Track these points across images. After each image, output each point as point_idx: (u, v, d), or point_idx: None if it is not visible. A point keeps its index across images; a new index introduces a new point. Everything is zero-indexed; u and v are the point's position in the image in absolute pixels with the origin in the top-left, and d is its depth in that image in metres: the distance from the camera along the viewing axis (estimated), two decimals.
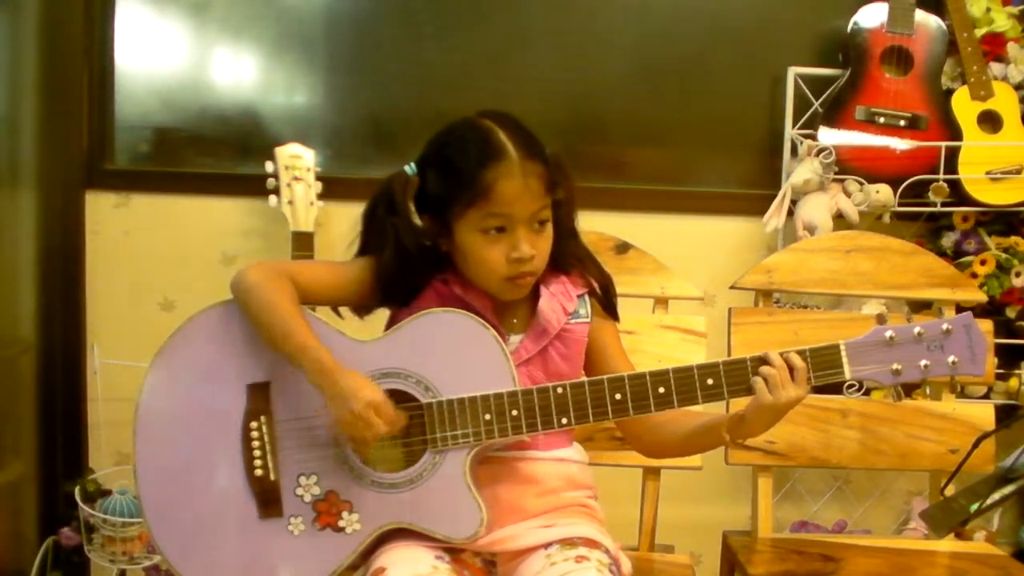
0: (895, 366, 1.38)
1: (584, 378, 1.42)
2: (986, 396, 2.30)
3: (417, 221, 1.44)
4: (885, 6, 2.35)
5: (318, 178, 2.24)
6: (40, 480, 2.39)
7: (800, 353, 1.38)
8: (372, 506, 1.39)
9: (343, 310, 1.52)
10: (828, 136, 2.35)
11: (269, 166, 2.22)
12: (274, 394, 1.41)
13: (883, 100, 2.35)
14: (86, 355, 2.41)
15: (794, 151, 2.43)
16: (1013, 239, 2.40)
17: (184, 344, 1.44)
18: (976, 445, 1.50)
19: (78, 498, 2.23)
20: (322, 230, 2.25)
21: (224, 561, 1.40)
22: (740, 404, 1.42)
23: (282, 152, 2.23)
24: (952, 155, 2.33)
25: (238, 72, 2.49)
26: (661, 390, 1.39)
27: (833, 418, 1.85)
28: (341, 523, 1.39)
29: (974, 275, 2.34)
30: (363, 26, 2.49)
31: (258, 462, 1.40)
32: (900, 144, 2.35)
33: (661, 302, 1.86)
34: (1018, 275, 2.37)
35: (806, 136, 2.39)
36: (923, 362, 1.38)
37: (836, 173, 2.32)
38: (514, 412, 1.38)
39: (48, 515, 2.38)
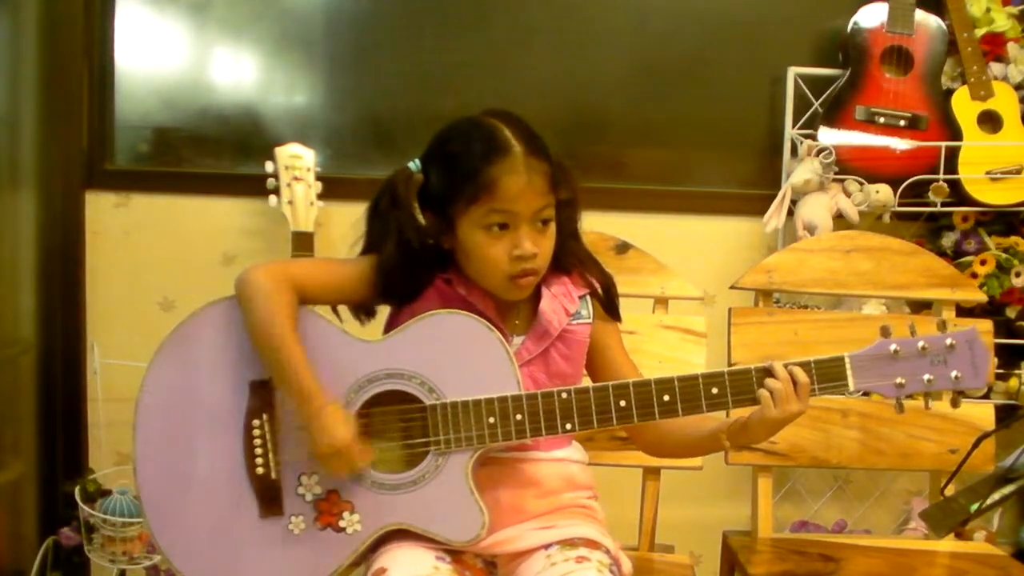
0: (899, 380, 1.39)
1: (589, 384, 1.42)
2: (986, 396, 2.30)
3: (420, 217, 1.44)
4: (885, 6, 2.35)
5: (318, 178, 2.24)
6: (40, 480, 2.39)
7: (804, 365, 1.38)
8: (373, 507, 1.39)
9: (345, 314, 1.52)
10: (828, 136, 2.35)
11: (269, 166, 2.22)
12: (276, 392, 1.41)
13: (883, 100, 2.35)
14: (86, 355, 2.40)
15: (794, 151, 2.43)
16: (1013, 239, 2.40)
17: (185, 341, 1.44)
18: (976, 445, 1.50)
19: (78, 498, 2.23)
20: (322, 230, 2.25)
21: (224, 560, 1.40)
22: (741, 409, 1.42)
23: (282, 152, 2.23)
24: (952, 155, 2.33)
25: (238, 72, 2.49)
26: (666, 398, 1.39)
27: (833, 418, 1.85)
28: (342, 523, 1.39)
29: (974, 275, 2.34)
30: (363, 26, 2.49)
31: (259, 460, 1.40)
32: (900, 144, 2.34)
33: (661, 302, 1.86)
34: (1018, 275, 2.37)
35: (806, 136, 2.39)
36: (926, 376, 1.39)
37: (836, 173, 2.32)
38: (518, 416, 1.38)
39: (48, 515, 2.37)
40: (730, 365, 1.81)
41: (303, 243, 2.18)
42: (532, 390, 1.40)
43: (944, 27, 2.37)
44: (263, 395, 1.41)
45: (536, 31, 2.50)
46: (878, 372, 1.39)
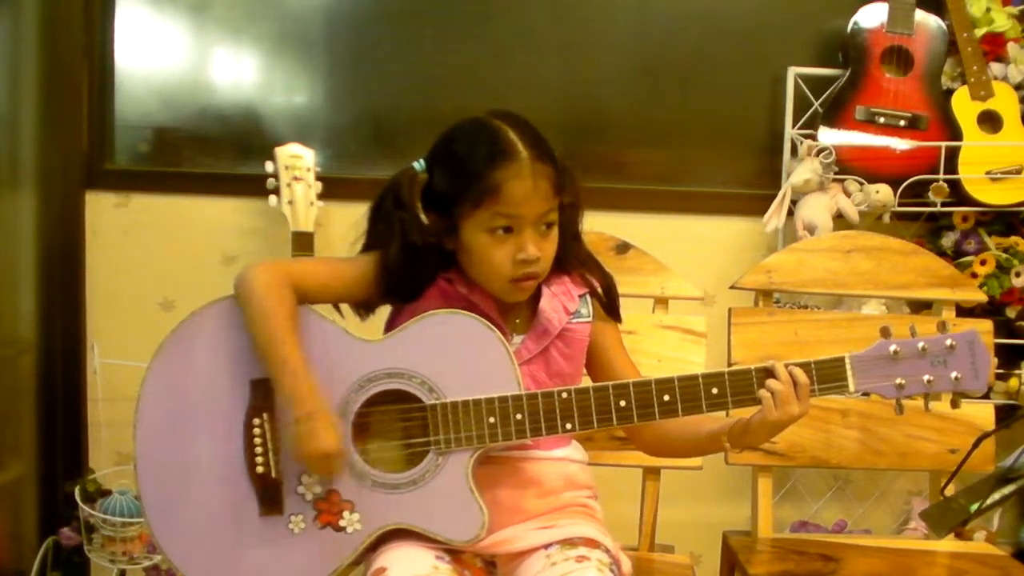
0: (899, 380, 1.39)
1: (589, 384, 1.42)
2: (986, 396, 2.29)
3: (423, 218, 1.44)
4: (885, 6, 2.35)
5: (318, 178, 2.23)
6: (40, 480, 2.39)
7: (805, 365, 1.38)
8: (373, 506, 1.39)
9: (345, 309, 1.52)
10: (828, 136, 2.35)
11: (269, 166, 2.22)
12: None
13: (883, 100, 2.35)
14: (86, 355, 2.40)
15: (794, 151, 2.43)
16: (1013, 239, 2.40)
17: (185, 340, 1.43)
18: (976, 445, 1.50)
19: (78, 498, 2.23)
20: (322, 230, 2.25)
21: (224, 559, 1.40)
22: (741, 411, 1.42)
23: (282, 152, 2.23)
24: (952, 155, 2.33)
25: (238, 72, 2.49)
26: (666, 398, 1.39)
27: (833, 418, 1.85)
28: (342, 522, 1.39)
29: (974, 275, 2.34)
30: (363, 26, 2.49)
31: (260, 459, 1.40)
32: (900, 144, 2.34)
33: (661, 302, 1.86)
34: (1018, 275, 2.37)
35: (806, 136, 2.39)
36: (926, 377, 1.39)
37: (836, 173, 2.32)
38: (518, 416, 1.38)
39: (48, 515, 2.37)
40: (730, 365, 1.81)
41: (303, 243, 2.18)
42: (532, 389, 1.40)
43: (944, 27, 2.37)
44: (264, 394, 1.41)
45: (536, 31, 2.50)
46: (878, 373, 1.39)
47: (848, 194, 2.33)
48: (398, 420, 1.41)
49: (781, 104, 2.47)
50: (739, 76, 2.52)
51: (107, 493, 2.25)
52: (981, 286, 2.27)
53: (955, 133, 2.35)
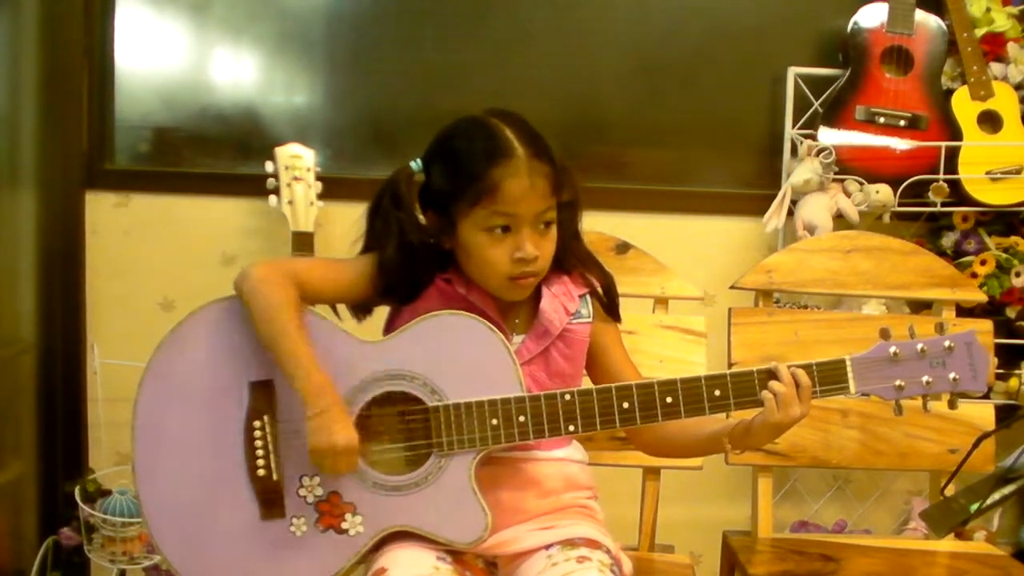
0: (898, 382, 1.39)
1: (592, 386, 1.42)
2: (986, 396, 2.29)
3: (421, 217, 1.44)
4: (885, 6, 2.35)
5: (318, 178, 2.23)
6: (40, 480, 2.39)
7: (806, 367, 1.39)
8: (375, 508, 1.39)
9: (342, 311, 1.52)
10: (828, 136, 2.35)
11: (269, 166, 2.22)
12: (277, 392, 1.41)
13: (883, 100, 2.35)
14: (86, 355, 2.40)
15: (794, 151, 2.43)
16: (1013, 239, 2.40)
17: (184, 341, 1.43)
18: (976, 445, 1.50)
19: (78, 498, 2.23)
20: (322, 230, 2.25)
21: (225, 561, 1.40)
22: (742, 412, 1.43)
23: (282, 152, 2.22)
24: (952, 155, 2.33)
25: (238, 72, 2.49)
26: (668, 400, 1.39)
27: (833, 418, 1.85)
28: (344, 525, 1.39)
29: (974, 275, 2.34)
30: (363, 26, 2.48)
31: (260, 462, 1.39)
32: (900, 144, 2.34)
33: (661, 302, 1.86)
34: (1018, 275, 2.37)
35: (806, 136, 2.39)
36: (925, 378, 1.40)
37: (836, 173, 2.32)
38: (521, 418, 1.38)
39: (48, 515, 2.37)
40: (730, 365, 1.81)
41: (303, 243, 2.18)
42: (533, 390, 1.40)
43: (944, 27, 2.37)
44: (264, 396, 1.41)
45: (536, 31, 2.50)
46: (878, 375, 1.39)
47: (848, 194, 2.33)
48: (400, 422, 1.41)
49: (781, 104, 2.47)
50: (739, 76, 2.52)
51: (107, 493, 2.25)
52: (981, 286, 2.27)
53: (955, 133, 2.35)
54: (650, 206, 2.50)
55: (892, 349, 1.39)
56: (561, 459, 1.51)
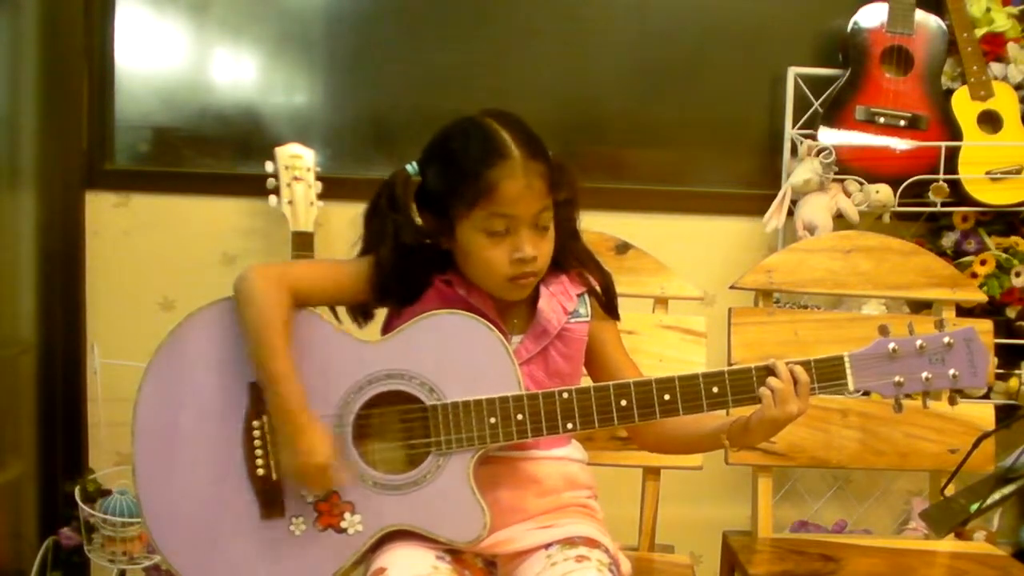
0: (897, 378, 1.39)
1: (590, 384, 1.42)
2: (986, 396, 2.30)
3: (418, 219, 1.44)
4: (885, 6, 2.35)
5: (318, 178, 2.23)
6: (40, 480, 2.39)
7: (805, 364, 1.39)
8: (374, 507, 1.39)
9: (341, 314, 1.52)
10: (828, 136, 2.35)
11: (269, 166, 2.22)
12: None
13: (883, 100, 2.35)
14: (86, 355, 2.40)
15: (794, 151, 2.43)
16: (1013, 239, 2.40)
17: (183, 342, 1.43)
18: (976, 445, 1.50)
19: (78, 498, 2.23)
20: (322, 230, 2.25)
21: (225, 561, 1.40)
22: (741, 409, 1.43)
23: (282, 152, 2.23)
24: (952, 155, 2.33)
25: (238, 72, 2.49)
26: (666, 397, 1.39)
27: (833, 418, 1.85)
28: (343, 524, 1.39)
29: (974, 275, 2.34)
30: (363, 26, 2.49)
31: (260, 462, 1.40)
32: (900, 144, 2.34)
33: (661, 302, 1.86)
34: (1018, 275, 2.37)
35: (806, 136, 2.39)
36: (924, 374, 1.39)
37: (836, 173, 2.32)
38: (519, 416, 1.38)
39: (48, 515, 2.37)
40: (730, 365, 1.80)
41: (303, 243, 2.18)
42: (531, 389, 1.40)
43: (944, 27, 2.37)
44: (263, 397, 1.40)
45: (536, 31, 2.50)
46: (877, 371, 1.39)
47: (848, 194, 2.33)
48: (399, 421, 1.40)
49: (781, 104, 2.47)
50: (739, 76, 2.52)
51: (107, 493, 2.25)
52: (981, 286, 2.27)
53: (955, 133, 2.35)
54: (650, 206, 2.50)
55: (891, 345, 1.39)
56: (560, 458, 1.51)
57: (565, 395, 1.39)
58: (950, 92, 2.38)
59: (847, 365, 1.39)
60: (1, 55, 2.30)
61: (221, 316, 1.43)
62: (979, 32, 2.36)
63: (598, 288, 1.53)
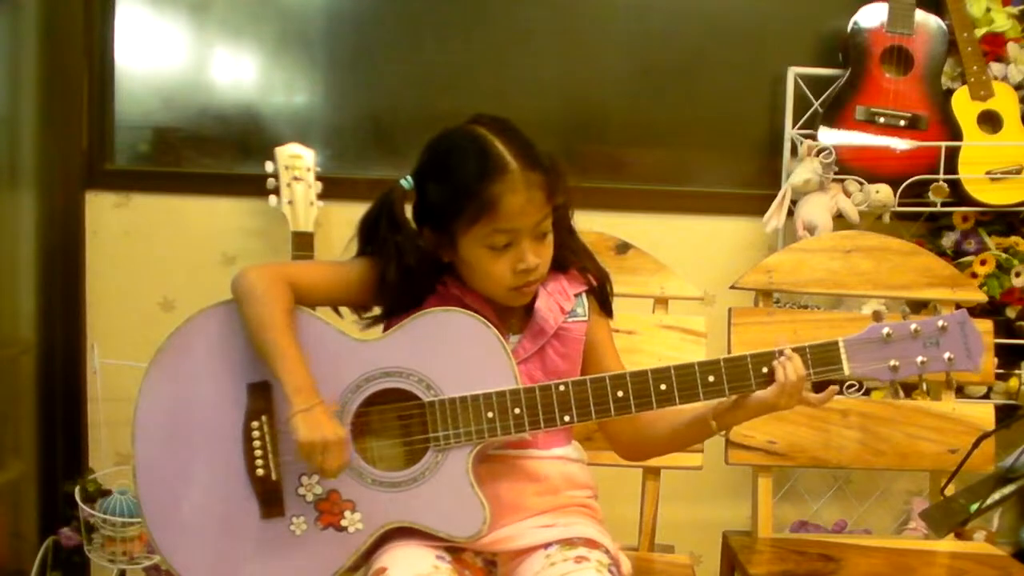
0: (892, 363, 1.40)
1: (586, 376, 1.42)
2: (986, 396, 2.30)
3: (417, 236, 1.44)
4: (885, 6, 2.35)
5: (318, 178, 2.23)
6: (40, 480, 2.39)
7: (800, 350, 1.39)
8: (374, 505, 1.39)
9: (343, 310, 1.52)
10: (828, 136, 2.35)
11: (269, 166, 2.22)
12: (275, 393, 1.41)
13: (883, 100, 2.35)
14: (86, 355, 2.40)
15: (794, 151, 2.43)
16: (1013, 239, 2.40)
17: (184, 344, 1.44)
18: (976, 445, 1.50)
19: (78, 498, 2.23)
20: (322, 230, 2.25)
21: (226, 561, 1.40)
22: None
23: (282, 152, 2.23)
24: (952, 155, 2.33)
25: (238, 72, 2.49)
26: (663, 387, 1.39)
27: (833, 418, 1.85)
28: (343, 522, 1.40)
29: (974, 275, 2.34)
30: (363, 26, 2.49)
31: (259, 462, 1.40)
32: (900, 144, 2.35)
33: (661, 302, 1.86)
34: (1018, 275, 2.37)
35: (806, 136, 2.39)
36: (919, 358, 1.40)
37: (836, 173, 2.32)
38: (516, 410, 1.38)
39: (48, 515, 2.37)
40: None
41: (303, 243, 2.18)
42: None
43: (944, 27, 2.37)
44: (262, 397, 1.41)
45: (536, 31, 2.50)
46: (872, 356, 1.40)
47: (848, 194, 2.33)
48: (396, 418, 1.41)
49: (781, 104, 2.47)
50: (739, 76, 2.53)
51: (107, 493, 2.25)
52: (981, 286, 2.27)
53: (955, 133, 2.35)
54: (650, 206, 2.50)
55: (885, 330, 1.39)
56: (560, 457, 1.51)
57: (561, 387, 1.39)
58: (950, 92, 2.38)
59: (842, 349, 1.40)
60: (1, 55, 2.30)
61: (221, 318, 1.43)
62: (979, 32, 2.37)
63: (595, 284, 1.53)
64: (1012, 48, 2.38)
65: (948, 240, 2.41)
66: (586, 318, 1.52)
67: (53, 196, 2.38)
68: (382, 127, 2.51)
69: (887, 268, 1.92)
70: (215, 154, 2.48)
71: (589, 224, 1.57)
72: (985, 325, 1.82)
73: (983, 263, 2.36)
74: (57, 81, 2.36)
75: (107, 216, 2.42)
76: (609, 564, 1.39)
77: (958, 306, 1.92)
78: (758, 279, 1.90)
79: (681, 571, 1.73)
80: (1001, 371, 2.32)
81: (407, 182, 1.45)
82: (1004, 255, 2.37)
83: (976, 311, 2.16)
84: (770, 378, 1.39)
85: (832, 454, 1.86)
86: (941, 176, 2.33)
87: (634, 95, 2.53)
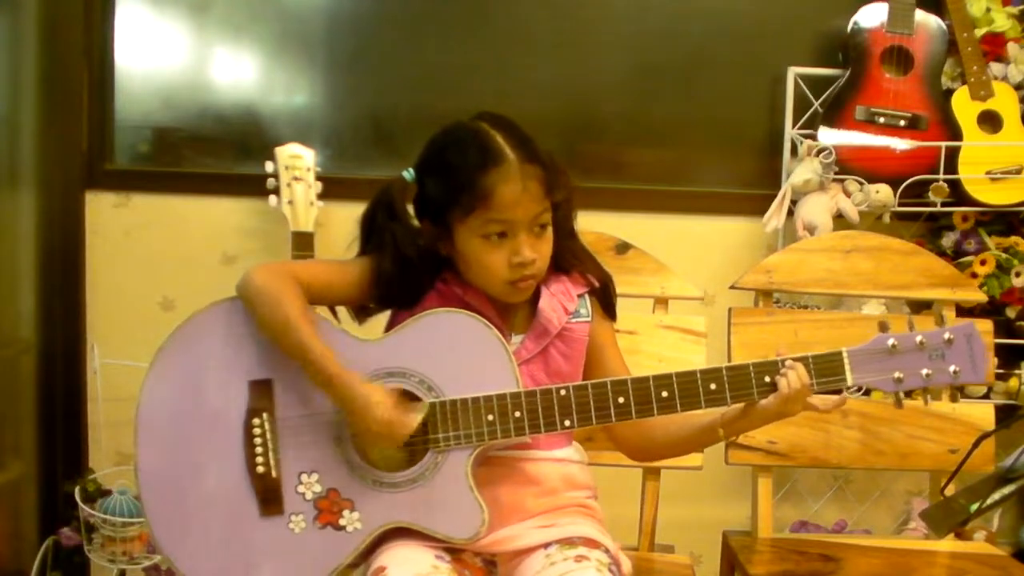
0: (897, 374, 1.39)
1: (587, 381, 1.42)
2: (986, 396, 2.30)
3: (416, 227, 1.44)
4: (885, 6, 2.35)
5: (318, 178, 2.24)
6: (40, 480, 2.39)
7: (803, 359, 1.39)
8: (373, 505, 1.39)
9: (341, 313, 1.52)
10: (828, 136, 2.35)
11: (269, 166, 2.22)
12: (276, 391, 1.41)
13: (883, 100, 2.35)
14: (86, 355, 2.40)
15: (794, 151, 2.43)
16: (1013, 239, 2.40)
17: (185, 342, 1.44)
18: (976, 445, 1.50)
19: (78, 498, 2.23)
20: (322, 230, 2.25)
21: (225, 559, 1.40)
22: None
23: (282, 152, 2.23)
24: (952, 155, 2.33)
25: (238, 72, 2.49)
26: (664, 394, 1.39)
27: (833, 418, 1.85)
28: (342, 521, 1.40)
29: (974, 275, 2.34)
30: (363, 26, 2.49)
31: (260, 459, 1.40)
32: (900, 144, 2.35)
33: (661, 302, 1.86)
34: (1018, 275, 2.37)
35: (806, 136, 2.39)
36: (924, 371, 1.39)
37: (836, 173, 2.32)
38: (517, 413, 1.38)
39: (48, 515, 2.37)
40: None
41: (303, 243, 2.18)
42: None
43: (944, 27, 2.37)
44: (263, 394, 1.41)
45: (536, 31, 2.50)
46: (876, 367, 1.39)
47: (848, 194, 2.33)
48: None
49: (781, 104, 2.47)
50: (739, 76, 2.53)
51: (107, 493, 2.25)
52: (981, 286, 2.27)
53: (955, 133, 2.35)
54: (650, 206, 2.50)
55: (890, 341, 1.39)
56: (560, 459, 1.51)
57: (563, 392, 1.39)
58: (950, 92, 2.38)
59: (846, 360, 1.39)
60: (1, 55, 2.30)
61: (221, 317, 1.43)
62: (979, 32, 2.37)
63: (597, 285, 1.53)
64: (1012, 48, 2.38)
65: (948, 240, 2.41)
66: (589, 319, 1.52)
67: (53, 196, 2.38)
68: (382, 127, 2.51)
69: (887, 268, 1.92)
70: (215, 154, 2.48)
71: (589, 224, 1.57)
72: (985, 325, 1.82)
73: (983, 263, 2.36)
74: (57, 81, 2.36)
75: (107, 216, 2.42)
76: (609, 563, 1.39)
77: (958, 306, 1.93)
78: (758, 279, 1.90)
79: (681, 571, 1.73)
80: (1001, 371, 2.32)
81: (408, 174, 1.46)
82: (1004, 255, 2.37)
83: (976, 311, 2.17)
84: (772, 387, 1.39)
85: (832, 454, 1.86)
86: (941, 176, 2.32)
87: (634, 95, 2.53)
